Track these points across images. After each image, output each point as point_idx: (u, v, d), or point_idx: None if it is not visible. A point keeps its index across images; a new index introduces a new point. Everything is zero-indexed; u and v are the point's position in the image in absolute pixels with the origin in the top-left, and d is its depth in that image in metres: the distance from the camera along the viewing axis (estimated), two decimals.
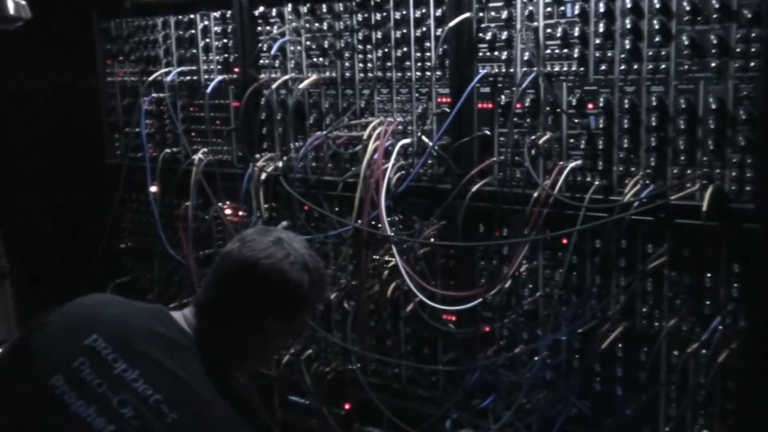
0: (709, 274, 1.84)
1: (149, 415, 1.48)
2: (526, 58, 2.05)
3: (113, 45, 3.07)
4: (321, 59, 2.46)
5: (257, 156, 2.57)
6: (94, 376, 1.52)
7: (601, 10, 1.91)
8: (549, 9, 2.00)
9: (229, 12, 2.68)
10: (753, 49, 1.73)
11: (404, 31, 2.26)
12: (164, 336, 1.61)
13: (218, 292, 1.70)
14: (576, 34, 1.96)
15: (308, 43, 2.48)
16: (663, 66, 1.86)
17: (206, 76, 2.79)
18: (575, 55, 1.97)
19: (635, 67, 1.90)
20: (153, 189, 2.89)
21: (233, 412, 1.58)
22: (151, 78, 2.86)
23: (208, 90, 2.70)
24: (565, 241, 2.02)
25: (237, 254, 1.69)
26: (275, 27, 2.55)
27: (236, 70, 2.68)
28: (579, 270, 2.03)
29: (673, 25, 1.84)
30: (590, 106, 1.98)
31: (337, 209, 2.44)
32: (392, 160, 2.21)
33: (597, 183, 1.97)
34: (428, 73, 2.23)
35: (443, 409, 2.25)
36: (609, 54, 1.93)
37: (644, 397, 1.95)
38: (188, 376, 1.55)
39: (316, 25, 2.46)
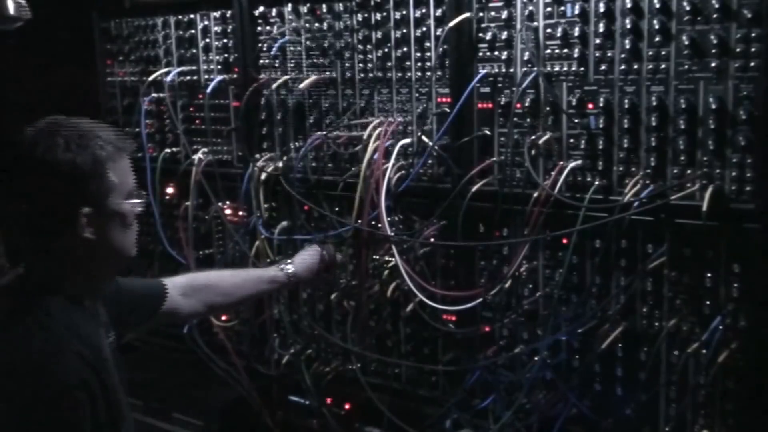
0: (709, 274, 1.84)
1: None
2: (526, 58, 2.05)
3: (113, 45, 3.07)
4: (321, 59, 2.46)
5: (257, 156, 2.57)
6: None
7: (601, 10, 1.91)
8: (549, 9, 2.00)
9: (229, 12, 2.68)
10: (753, 49, 1.73)
11: (404, 31, 2.26)
12: None
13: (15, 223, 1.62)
14: (576, 34, 1.96)
15: (308, 43, 2.48)
16: (663, 66, 1.86)
17: (206, 76, 2.79)
18: (575, 55, 1.97)
19: (635, 67, 1.90)
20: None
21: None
22: (151, 78, 2.85)
23: (208, 90, 2.70)
24: (565, 241, 2.02)
25: (7, 175, 1.61)
26: (275, 27, 2.55)
27: (236, 70, 2.68)
28: (579, 270, 2.03)
29: (673, 25, 1.83)
30: (590, 106, 1.98)
31: (337, 209, 2.44)
32: (392, 160, 2.21)
33: (597, 183, 1.97)
34: (428, 73, 2.23)
35: (443, 409, 2.25)
36: (609, 54, 1.93)
37: (644, 397, 1.95)
38: None
39: (316, 25, 2.45)
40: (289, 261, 2.34)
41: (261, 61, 2.61)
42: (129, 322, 1.99)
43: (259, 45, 2.59)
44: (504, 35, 2.08)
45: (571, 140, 2.01)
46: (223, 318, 2.73)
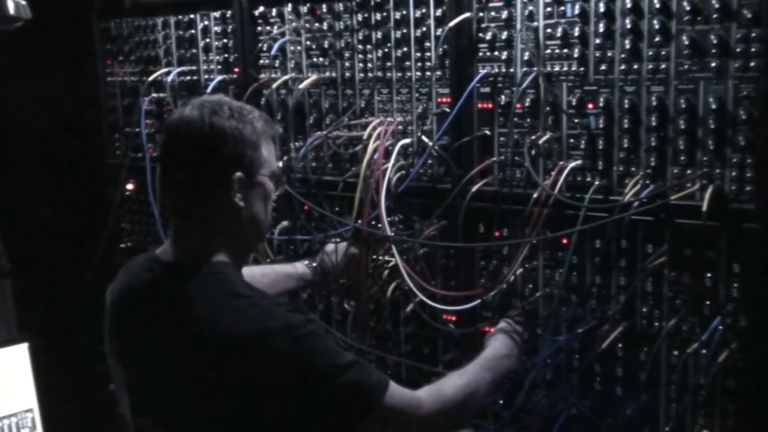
0: (709, 274, 1.84)
1: None
2: (526, 58, 2.05)
3: (113, 45, 3.07)
4: (321, 59, 2.47)
5: None
6: None
7: (601, 10, 1.91)
8: (549, 9, 2.00)
9: (229, 12, 2.68)
10: (753, 49, 1.73)
11: (404, 31, 2.26)
12: None
13: (173, 186, 1.70)
14: (576, 34, 1.96)
15: (308, 43, 2.48)
16: (663, 66, 1.86)
17: (206, 76, 2.79)
18: (575, 55, 1.97)
19: (635, 67, 1.90)
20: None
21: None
22: (151, 78, 2.86)
23: (208, 90, 2.70)
24: (565, 241, 2.02)
25: (166, 141, 1.70)
26: (275, 27, 2.55)
27: (236, 70, 2.68)
28: (579, 270, 2.03)
29: (673, 25, 1.83)
30: (590, 106, 1.98)
31: (337, 209, 2.44)
32: (392, 160, 2.21)
33: (597, 183, 1.97)
34: (428, 73, 2.23)
35: None
36: (609, 54, 1.93)
37: (644, 397, 1.95)
38: None
39: (316, 25, 2.46)
40: (313, 257, 2.37)
41: (261, 61, 2.61)
42: None
43: (259, 45, 2.59)
44: (504, 35, 2.08)
45: (571, 140, 2.01)
46: None
